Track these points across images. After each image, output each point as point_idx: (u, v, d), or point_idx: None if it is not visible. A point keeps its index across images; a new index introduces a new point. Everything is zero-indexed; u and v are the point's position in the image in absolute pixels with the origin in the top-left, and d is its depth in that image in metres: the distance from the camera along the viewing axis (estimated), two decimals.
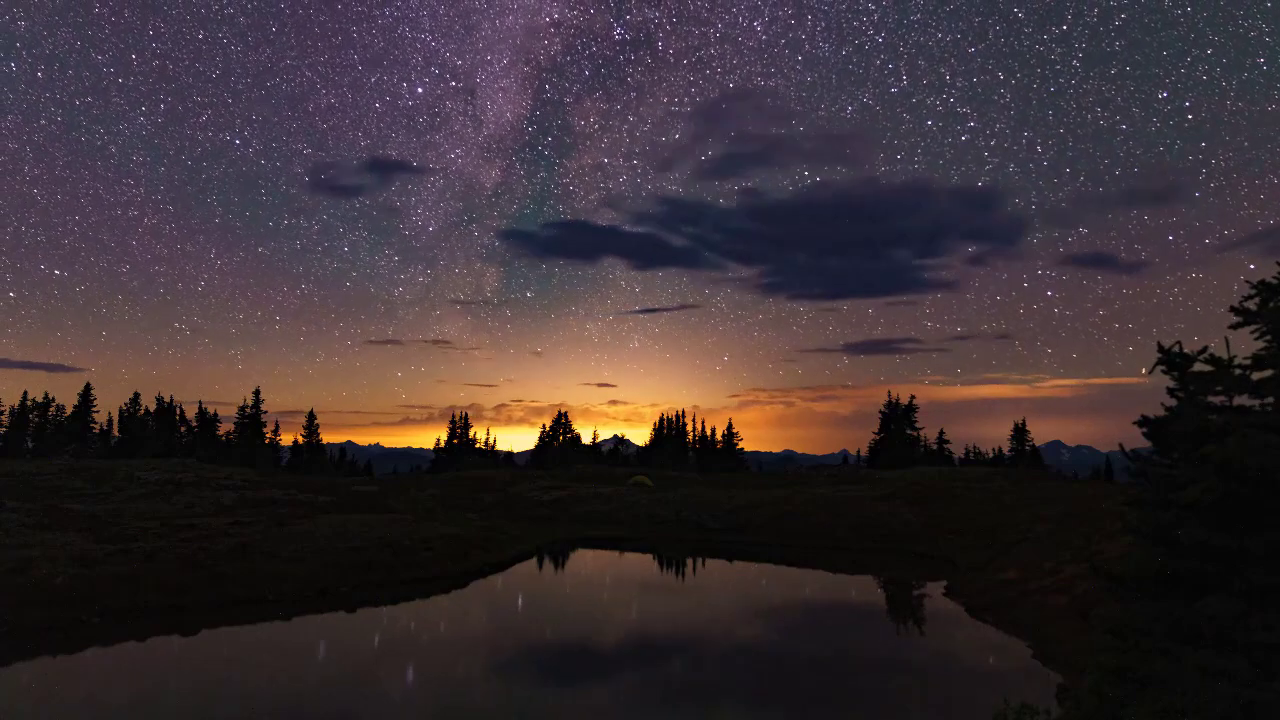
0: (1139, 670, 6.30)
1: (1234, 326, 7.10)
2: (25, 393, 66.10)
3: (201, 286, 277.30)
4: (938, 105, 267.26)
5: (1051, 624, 17.09)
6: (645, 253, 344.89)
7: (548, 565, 28.00)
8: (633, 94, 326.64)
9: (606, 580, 26.54)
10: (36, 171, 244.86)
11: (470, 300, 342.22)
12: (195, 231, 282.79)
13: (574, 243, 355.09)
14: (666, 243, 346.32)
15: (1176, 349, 7.36)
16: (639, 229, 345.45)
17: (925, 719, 12.38)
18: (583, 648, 16.43)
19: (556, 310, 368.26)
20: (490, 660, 15.32)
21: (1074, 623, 16.04)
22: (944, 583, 23.97)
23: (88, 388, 66.37)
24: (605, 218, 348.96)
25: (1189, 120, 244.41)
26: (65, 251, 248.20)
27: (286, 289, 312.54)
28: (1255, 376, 6.87)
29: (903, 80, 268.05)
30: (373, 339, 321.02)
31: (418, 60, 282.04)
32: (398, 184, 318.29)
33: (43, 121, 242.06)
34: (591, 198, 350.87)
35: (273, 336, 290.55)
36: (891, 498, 37.39)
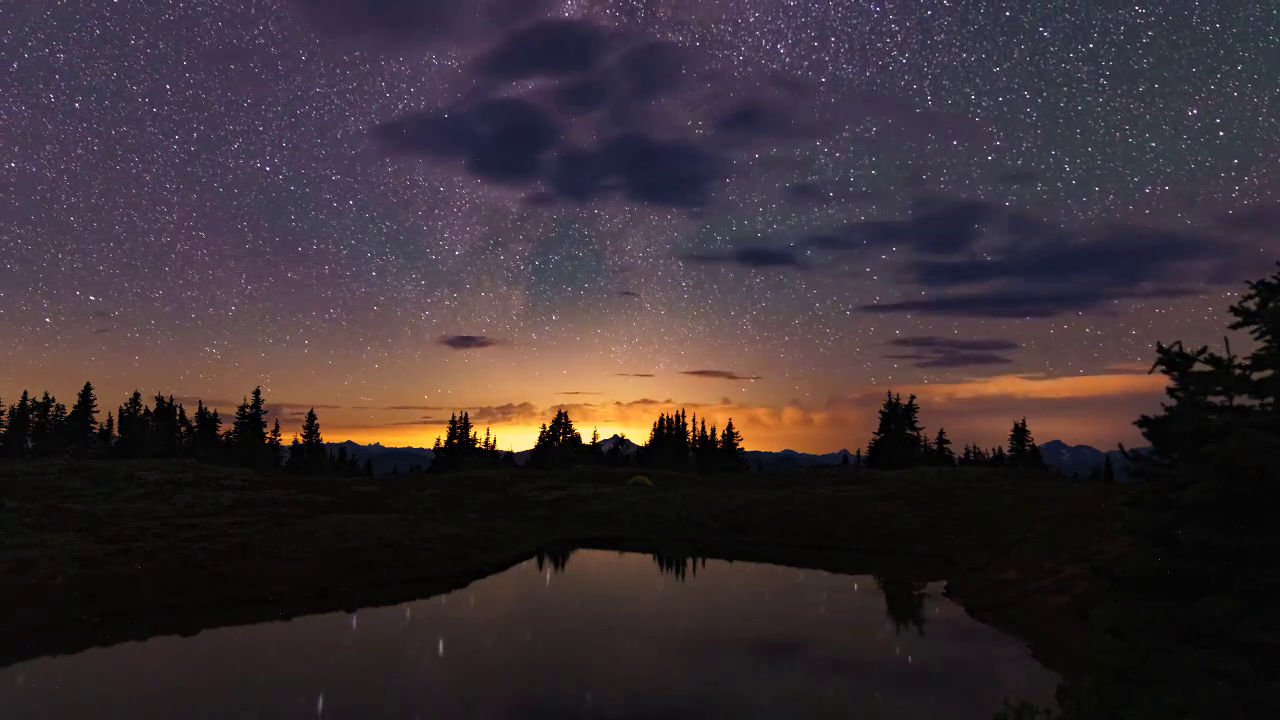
0: (1139, 670, 6.30)
1: (1234, 326, 7.09)
2: (25, 393, 66.04)
3: (232, 311, 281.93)
4: (963, 125, 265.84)
5: (1051, 624, 17.09)
6: (669, 274, 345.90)
7: (548, 565, 28.01)
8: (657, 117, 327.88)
9: (606, 580, 26.55)
10: (74, 200, 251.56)
11: (496, 323, 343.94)
12: (226, 257, 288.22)
13: (602, 266, 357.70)
14: (691, 261, 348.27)
15: (1176, 349, 7.36)
16: (661, 249, 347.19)
17: (925, 719, 12.38)
18: (583, 647, 16.43)
19: (582, 334, 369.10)
20: (489, 661, 15.33)
21: (1074, 623, 16.03)
22: (944, 583, 23.96)
23: (87, 388, 66.37)
24: (632, 240, 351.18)
25: (1220, 138, 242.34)
26: (100, 278, 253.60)
27: (315, 313, 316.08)
28: (1255, 376, 6.86)
29: (927, 101, 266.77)
30: (400, 358, 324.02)
31: (444, 86, 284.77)
32: (424, 208, 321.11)
33: (80, 151, 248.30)
34: (615, 221, 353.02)
35: (301, 360, 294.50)
36: (891, 498, 37.38)
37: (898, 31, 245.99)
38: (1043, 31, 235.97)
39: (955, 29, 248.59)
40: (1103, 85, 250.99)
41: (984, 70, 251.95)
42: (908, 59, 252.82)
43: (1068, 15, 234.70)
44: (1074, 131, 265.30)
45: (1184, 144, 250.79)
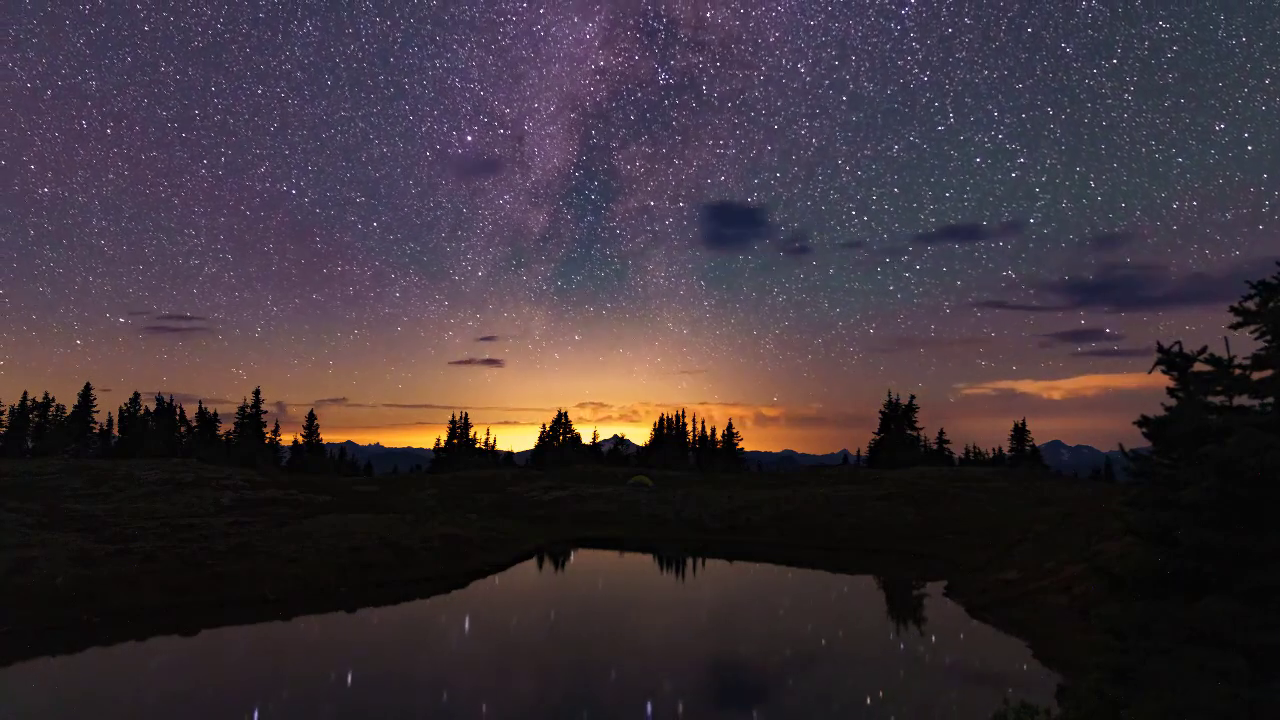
0: (1139, 670, 6.30)
1: (1234, 326, 7.09)
2: (25, 393, 65.97)
3: (258, 332, 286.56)
4: (986, 142, 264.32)
5: (1051, 624, 17.10)
6: (687, 295, 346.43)
7: (548, 565, 27.99)
8: (678, 138, 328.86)
9: (608, 581, 26.53)
10: (104, 224, 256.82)
11: (518, 341, 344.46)
12: (253, 279, 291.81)
13: (622, 286, 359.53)
14: (709, 283, 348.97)
15: (1176, 349, 7.36)
16: (683, 269, 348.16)
17: (925, 718, 12.37)
18: (582, 648, 16.42)
19: (604, 353, 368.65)
20: (493, 661, 15.32)
21: (1074, 623, 16.04)
22: (944, 583, 23.96)
23: (87, 388, 66.28)
24: (653, 260, 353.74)
25: (1249, 152, 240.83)
26: (129, 300, 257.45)
27: (340, 334, 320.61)
28: (1255, 376, 6.86)
29: (950, 118, 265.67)
30: (422, 376, 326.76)
31: (467, 109, 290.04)
32: (447, 229, 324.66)
33: (111, 176, 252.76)
34: (638, 241, 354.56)
35: (326, 381, 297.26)
36: (891, 498, 37.38)
37: (919, 50, 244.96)
38: (1065, 48, 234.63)
39: (977, 46, 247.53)
40: (1127, 101, 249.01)
41: (1006, 87, 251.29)
42: (929, 76, 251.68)
43: (1090, 31, 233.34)
44: (1099, 147, 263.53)
45: (1211, 158, 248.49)
